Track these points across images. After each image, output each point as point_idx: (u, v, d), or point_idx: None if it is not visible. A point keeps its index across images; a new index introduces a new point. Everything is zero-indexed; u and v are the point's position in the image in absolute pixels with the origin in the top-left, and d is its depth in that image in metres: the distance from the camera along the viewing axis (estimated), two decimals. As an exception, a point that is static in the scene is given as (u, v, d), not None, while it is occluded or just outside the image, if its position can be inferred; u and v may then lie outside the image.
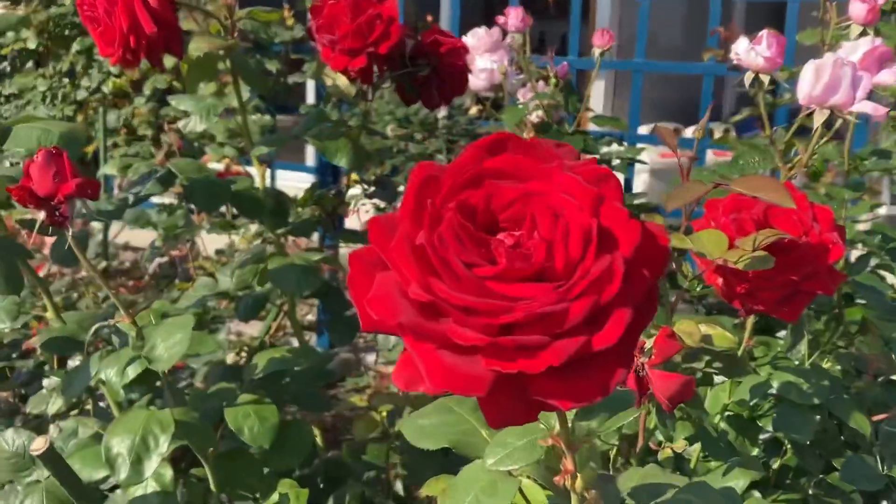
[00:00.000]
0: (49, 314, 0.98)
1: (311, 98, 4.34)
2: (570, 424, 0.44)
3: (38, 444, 0.79)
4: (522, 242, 0.34)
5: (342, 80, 1.16)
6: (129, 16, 0.97)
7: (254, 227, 2.06)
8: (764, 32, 1.00)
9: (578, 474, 0.42)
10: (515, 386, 0.33)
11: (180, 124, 1.16)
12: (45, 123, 0.86)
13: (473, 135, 2.90)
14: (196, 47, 0.99)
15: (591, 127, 1.93)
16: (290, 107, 3.01)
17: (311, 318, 3.06)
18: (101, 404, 1.14)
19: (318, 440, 1.23)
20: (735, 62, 1.02)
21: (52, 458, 0.80)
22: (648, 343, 0.73)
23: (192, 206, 1.66)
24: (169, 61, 1.46)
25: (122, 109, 3.75)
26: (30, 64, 4.13)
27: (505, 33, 1.61)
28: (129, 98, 3.69)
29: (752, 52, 0.99)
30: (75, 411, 1.45)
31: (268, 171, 3.16)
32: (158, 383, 0.87)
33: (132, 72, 3.63)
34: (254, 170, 1.16)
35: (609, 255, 0.32)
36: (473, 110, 2.38)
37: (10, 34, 4.07)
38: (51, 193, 0.73)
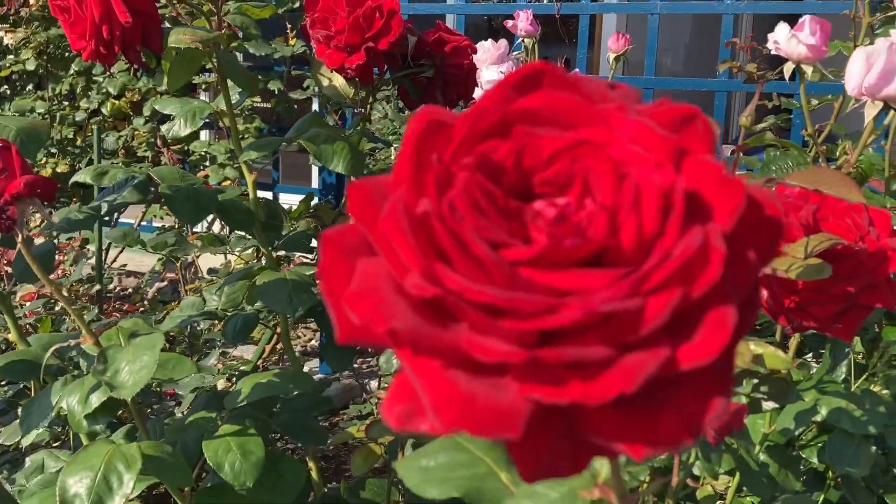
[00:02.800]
0: (12, 335, 0.87)
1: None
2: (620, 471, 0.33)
3: (-17, 485, 0.68)
4: (570, 213, 0.24)
5: (339, 80, 1.06)
6: (101, 4, 0.87)
7: (249, 249, 1.97)
8: (807, 17, 0.90)
9: (637, 539, 0.32)
10: (561, 422, 0.23)
11: (164, 128, 1.06)
12: (2, 119, 0.76)
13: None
14: (176, 39, 0.89)
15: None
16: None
17: (314, 343, 2.95)
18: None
19: (314, 474, 1.12)
20: (774, 51, 0.92)
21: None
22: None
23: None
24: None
25: (121, 131, 3.67)
26: (30, 87, 4.07)
27: (510, 39, 1.52)
28: (128, 120, 3.60)
29: (794, 40, 0.89)
30: (57, 442, 1.35)
31: (269, 194, 3.07)
32: (122, 413, 0.76)
33: (132, 93, 3.56)
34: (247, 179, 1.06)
35: (701, 227, 0.22)
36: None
37: (10, 56, 4.01)
38: (-5, 193, 0.63)
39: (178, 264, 1.92)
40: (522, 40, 1.52)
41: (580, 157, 0.24)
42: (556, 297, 0.22)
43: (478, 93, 1.38)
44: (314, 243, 1.18)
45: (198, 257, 2.43)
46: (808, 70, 0.91)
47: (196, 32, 0.91)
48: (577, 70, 1.63)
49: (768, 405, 0.81)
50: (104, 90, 3.49)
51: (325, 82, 1.07)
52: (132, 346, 0.70)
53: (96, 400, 0.72)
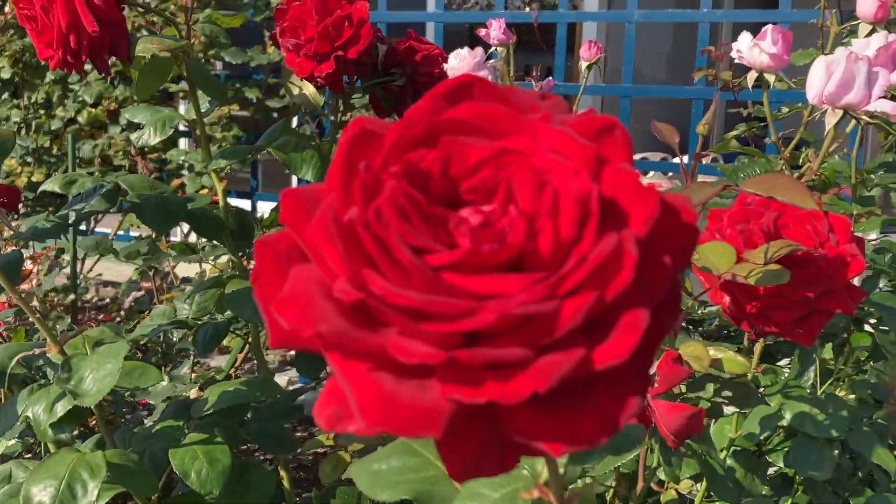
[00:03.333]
0: (-23, 345, 0.87)
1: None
2: (562, 470, 0.34)
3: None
4: (494, 220, 0.24)
5: (309, 88, 1.06)
6: (68, 13, 0.87)
7: (223, 258, 1.96)
8: (769, 27, 0.91)
9: (575, 538, 0.32)
10: (486, 422, 0.24)
11: (133, 137, 1.06)
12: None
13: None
14: (143, 49, 0.89)
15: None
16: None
17: (293, 352, 2.94)
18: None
19: (286, 483, 1.12)
20: (737, 60, 0.94)
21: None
22: (651, 369, 0.63)
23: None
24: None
25: (98, 140, 3.66)
26: (5, 95, 4.04)
27: (487, 48, 1.53)
28: (105, 128, 3.59)
29: (756, 49, 0.90)
30: (29, 454, 1.34)
31: (248, 202, 3.06)
32: (93, 423, 0.76)
33: (109, 101, 3.54)
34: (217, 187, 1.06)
35: (616, 233, 0.23)
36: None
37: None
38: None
39: (152, 274, 1.91)
40: (496, 49, 1.53)
41: (504, 166, 0.25)
42: (476, 300, 0.22)
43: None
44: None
45: (173, 267, 2.42)
46: (771, 78, 0.93)
47: (163, 41, 0.91)
48: (549, 79, 1.64)
49: (730, 409, 0.82)
50: (80, 99, 3.47)
51: (296, 90, 1.07)
52: (96, 355, 0.70)
53: (61, 409, 0.72)
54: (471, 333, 0.23)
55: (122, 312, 2.82)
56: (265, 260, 0.26)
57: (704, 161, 2.73)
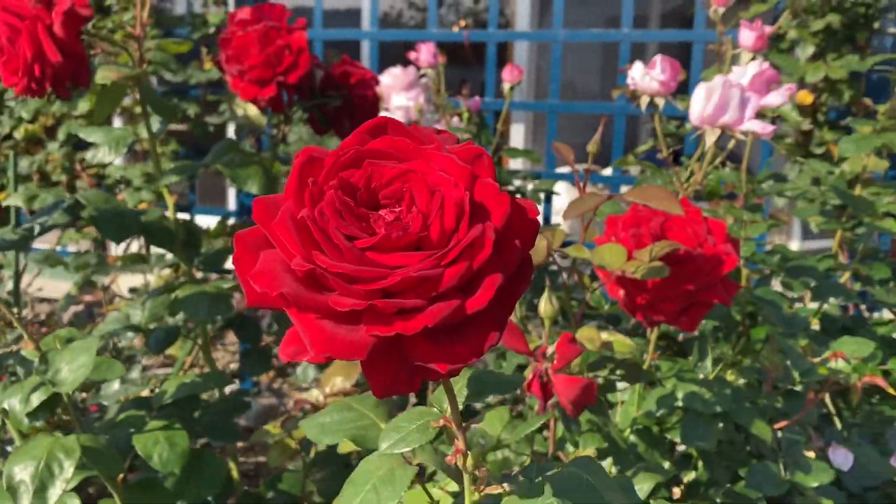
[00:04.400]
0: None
1: (230, 142, 4.32)
2: (461, 406, 0.45)
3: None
4: (401, 217, 0.36)
5: (252, 110, 1.17)
6: (33, 45, 0.96)
7: (167, 270, 2.04)
8: (658, 57, 1.05)
9: (469, 453, 0.44)
10: (397, 352, 0.35)
11: (88, 155, 1.15)
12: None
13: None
14: (103, 77, 0.99)
15: (512, 166, 1.97)
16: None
17: (234, 365, 3.01)
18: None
19: (235, 474, 1.22)
20: (631, 87, 1.07)
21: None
22: (551, 349, 0.75)
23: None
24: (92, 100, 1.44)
25: (35, 156, 3.67)
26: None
27: (418, 69, 1.65)
28: (42, 144, 3.61)
29: (647, 77, 1.04)
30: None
31: (187, 215, 3.13)
32: (61, 411, 0.85)
33: (46, 118, 3.57)
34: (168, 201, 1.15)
35: (481, 224, 0.34)
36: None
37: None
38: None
39: (98, 286, 1.97)
40: (425, 70, 1.65)
41: (408, 180, 0.36)
42: (388, 269, 0.34)
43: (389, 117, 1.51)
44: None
45: (113, 281, 2.48)
46: (661, 102, 1.06)
47: (121, 70, 1.01)
48: (476, 98, 1.77)
49: (622, 385, 0.95)
50: (17, 115, 3.50)
51: (240, 112, 1.18)
52: (69, 349, 0.79)
53: (37, 399, 0.81)
54: (385, 290, 0.34)
55: (61, 327, 2.86)
56: (241, 247, 0.37)
57: (632, 172, 2.90)
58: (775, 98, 1.03)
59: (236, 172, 1.08)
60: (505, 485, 0.43)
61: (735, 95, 0.97)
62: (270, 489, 1.09)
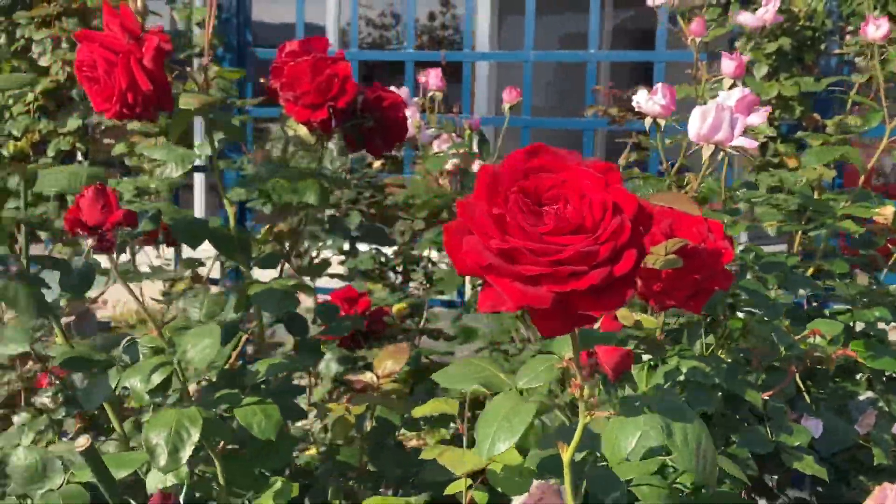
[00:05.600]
0: (58, 339, 1.09)
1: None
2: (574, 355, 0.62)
3: (81, 442, 0.91)
4: (562, 212, 0.53)
5: (302, 130, 1.32)
6: (127, 76, 1.11)
7: (187, 273, 2.18)
8: (659, 85, 1.23)
9: (585, 385, 0.61)
10: (563, 306, 0.52)
11: (157, 171, 1.29)
12: (72, 168, 1.00)
13: (378, 186, 3.08)
14: (185, 102, 1.14)
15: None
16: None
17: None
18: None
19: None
20: (637, 109, 1.25)
21: (92, 455, 0.92)
22: (596, 325, 0.92)
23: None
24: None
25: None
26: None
27: (426, 91, 1.83)
28: (28, 159, 3.70)
29: (651, 102, 1.22)
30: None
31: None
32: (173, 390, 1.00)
33: (32, 134, 3.67)
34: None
35: (619, 216, 0.51)
36: (377, 164, 2.59)
37: None
38: (99, 223, 0.87)
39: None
40: (434, 92, 1.82)
41: (563, 187, 0.53)
42: (561, 246, 0.51)
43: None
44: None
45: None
46: (662, 122, 1.25)
47: (200, 96, 1.16)
48: (476, 116, 1.94)
49: (646, 357, 1.12)
50: (6, 132, 3.59)
51: (291, 132, 1.33)
52: (192, 334, 0.94)
53: (157, 378, 0.95)
54: (559, 261, 0.51)
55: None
56: (450, 235, 0.53)
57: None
58: (756, 118, 1.22)
59: (296, 185, 1.24)
60: (611, 410, 0.60)
61: (726, 117, 1.16)
62: (328, 460, 1.25)
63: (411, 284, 2.43)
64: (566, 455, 0.62)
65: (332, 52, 1.31)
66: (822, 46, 3.17)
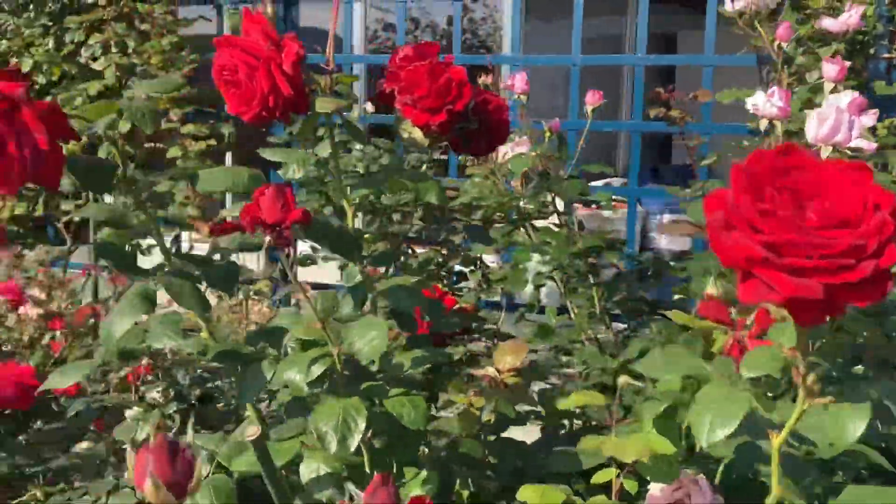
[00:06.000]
0: (204, 334, 1.13)
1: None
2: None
3: (252, 431, 0.95)
4: (822, 207, 0.56)
5: (417, 133, 1.36)
6: (269, 80, 1.15)
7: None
8: (775, 88, 1.27)
9: (810, 373, 0.64)
10: (828, 297, 0.55)
11: (280, 173, 1.33)
12: (234, 169, 1.03)
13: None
14: (321, 106, 1.18)
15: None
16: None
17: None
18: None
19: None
20: (752, 111, 1.29)
21: (260, 445, 0.96)
22: (749, 319, 0.95)
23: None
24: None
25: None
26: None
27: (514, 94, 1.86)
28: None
29: (769, 104, 1.26)
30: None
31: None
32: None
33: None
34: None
35: (881, 213, 0.55)
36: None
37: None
38: (279, 220, 0.90)
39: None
40: (519, 96, 1.86)
41: (818, 184, 0.57)
42: (828, 240, 0.54)
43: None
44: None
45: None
46: (778, 124, 1.28)
47: (334, 101, 1.20)
48: (556, 119, 1.98)
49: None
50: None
51: (406, 135, 1.37)
52: (355, 328, 0.98)
53: (317, 370, 0.99)
54: (831, 254, 0.54)
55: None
56: (712, 230, 0.57)
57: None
58: (868, 120, 1.26)
59: (418, 186, 1.27)
60: (829, 397, 0.64)
61: (845, 119, 1.19)
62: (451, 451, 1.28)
63: (470, 284, 2.46)
64: (777, 441, 0.65)
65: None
66: (872, 51, 3.20)
